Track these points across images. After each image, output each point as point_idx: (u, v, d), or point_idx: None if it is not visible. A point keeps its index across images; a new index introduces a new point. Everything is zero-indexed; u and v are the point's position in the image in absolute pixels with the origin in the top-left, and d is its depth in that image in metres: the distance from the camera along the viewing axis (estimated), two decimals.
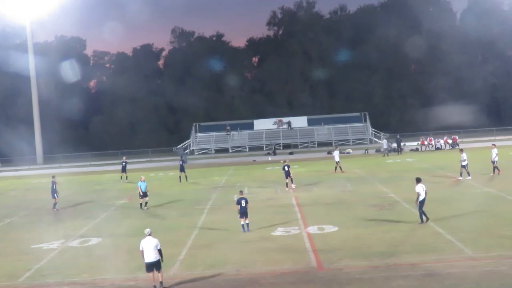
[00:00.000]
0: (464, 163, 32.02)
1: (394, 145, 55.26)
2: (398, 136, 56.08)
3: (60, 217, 27.70)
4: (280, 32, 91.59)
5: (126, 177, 41.92)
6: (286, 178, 32.39)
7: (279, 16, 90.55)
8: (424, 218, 20.95)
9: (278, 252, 18.19)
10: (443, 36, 78.27)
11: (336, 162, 39.89)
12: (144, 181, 28.38)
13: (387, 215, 23.18)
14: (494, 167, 33.15)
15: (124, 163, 42.21)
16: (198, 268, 16.99)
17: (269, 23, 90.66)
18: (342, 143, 67.07)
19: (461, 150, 32.83)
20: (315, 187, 32.56)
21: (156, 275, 15.38)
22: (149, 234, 15.50)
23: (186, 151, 65.61)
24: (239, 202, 21.39)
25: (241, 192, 22.74)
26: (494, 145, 33.99)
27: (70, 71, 78.72)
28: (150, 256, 15.26)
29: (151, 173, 47.86)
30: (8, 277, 17.23)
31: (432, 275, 15.01)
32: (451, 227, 20.10)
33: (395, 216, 22.87)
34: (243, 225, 21.37)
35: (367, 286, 14.62)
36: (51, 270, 17.73)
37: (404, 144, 58.86)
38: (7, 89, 77.11)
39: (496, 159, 33.11)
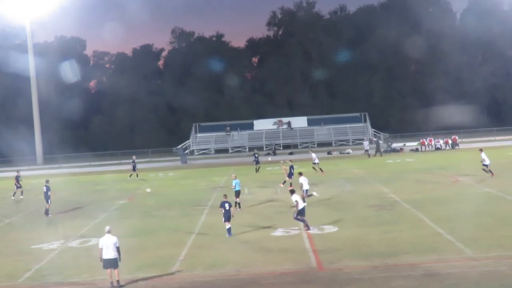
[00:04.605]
0: (304, 188, 26.51)
1: (394, 145, 55.20)
2: (382, 138, 55.90)
3: (60, 218, 27.65)
4: (280, 32, 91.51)
5: (137, 175, 43.91)
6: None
7: (279, 16, 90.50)
8: (305, 225, 20.96)
9: (278, 252, 18.18)
10: (443, 36, 78.27)
11: (314, 163, 39.46)
12: (235, 178, 26.68)
13: (387, 215, 23.18)
14: None
15: (133, 162, 44.62)
16: (198, 268, 16.96)
17: (269, 23, 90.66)
18: (342, 143, 67.14)
19: (300, 174, 27.36)
20: (315, 187, 32.44)
21: (113, 272, 15.61)
22: (108, 232, 15.79)
23: (186, 151, 65.58)
24: (222, 205, 20.72)
25: (225, 196, 21.53)
26: None
27: (70, 71, 78.70)
28: (109, 253, 15.58)
29: (151, 173, 47.91)
30: (8, 277, 17.22)
31: (432, 275, 15.00)
32: (451, 227, 20.08)
33: (395, 216, 22.87)
34: (228, 229, 20.69)
35: (367, 286, 14.61)
36: (51, 270, 17.72)
37: (404, 145, 58.89)
38: (7, 89, 77.09)
39: None
